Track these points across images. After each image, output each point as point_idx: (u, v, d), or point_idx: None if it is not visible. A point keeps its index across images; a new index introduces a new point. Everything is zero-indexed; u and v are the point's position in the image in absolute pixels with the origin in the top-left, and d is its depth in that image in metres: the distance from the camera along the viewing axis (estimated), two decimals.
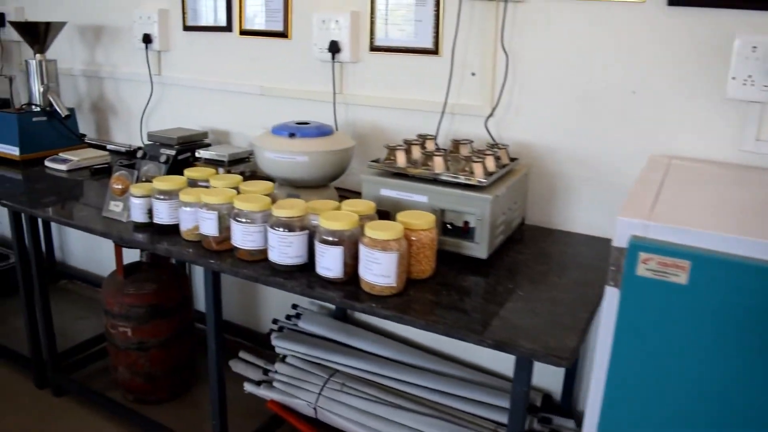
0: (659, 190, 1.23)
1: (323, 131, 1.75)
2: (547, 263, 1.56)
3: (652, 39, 1.63)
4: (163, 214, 1.59)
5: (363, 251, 1.29)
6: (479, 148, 1.72)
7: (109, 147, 2.63)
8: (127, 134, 2.70)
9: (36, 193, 2.04)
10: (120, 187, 1.71)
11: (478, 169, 1.49)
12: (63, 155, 2.35)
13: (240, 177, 1.63)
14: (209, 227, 1.47)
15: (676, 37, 1.61)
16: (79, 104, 2.84)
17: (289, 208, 1.37)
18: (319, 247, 1.34)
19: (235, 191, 1.51)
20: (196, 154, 2.07)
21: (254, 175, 2.11)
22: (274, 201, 1.45)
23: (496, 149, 1.68)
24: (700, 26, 1.57)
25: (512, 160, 1.72)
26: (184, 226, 1.56)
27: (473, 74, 1.86)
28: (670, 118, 1.65)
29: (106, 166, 2.29)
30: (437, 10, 1.86)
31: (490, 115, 1.84)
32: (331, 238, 1.32)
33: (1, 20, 3.02)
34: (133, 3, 2.50)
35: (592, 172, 1.77)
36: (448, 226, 1.52)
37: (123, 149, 2.59)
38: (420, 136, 1.81)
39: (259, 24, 2.19)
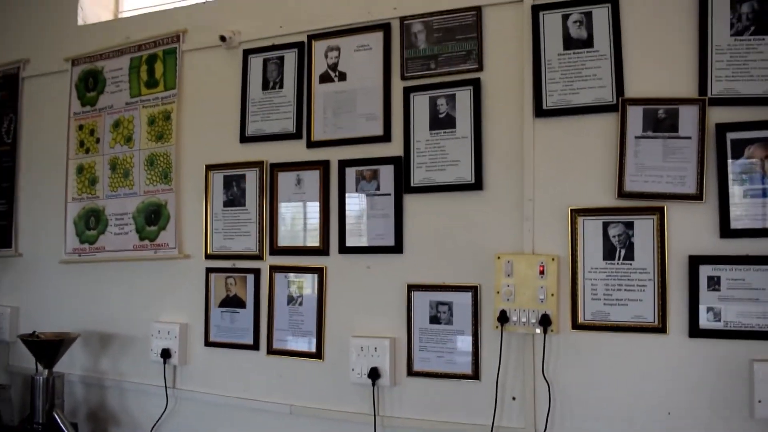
0: None
1: None
2: None
3: (679, 365, 1.80)
4: None
5: None
6: None
7: None
8: None
9: None
10: None
11: None
12: None
13: None
14: None
15: (699, 363, 1.78)
16: (74, 411, 2.71)
17: None
18: None
19: None
20: None
21: None
22: None
23: None
24: (720, 354, 1.76)
25: None
26: None
27: (514, 398, 1.95)
28: None
29: None
30: (475, 339, 1.99)
31: None
32: None
33: None
34: (151, 315, 2.53)
35: None
36: None
37: None
38: None
39: (290, 345, 2.25)
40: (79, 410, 2.72)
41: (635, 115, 1.87)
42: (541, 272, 1.91)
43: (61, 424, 2.40)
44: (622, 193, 1.86)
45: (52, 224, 2.81)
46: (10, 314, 2.90)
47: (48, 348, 2.45)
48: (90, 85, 2.75)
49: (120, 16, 2.95)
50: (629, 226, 1.86)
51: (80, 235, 2.75)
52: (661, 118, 1.85)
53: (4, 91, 3.01)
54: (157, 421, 2.48)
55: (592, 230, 1.90)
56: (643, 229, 1.84)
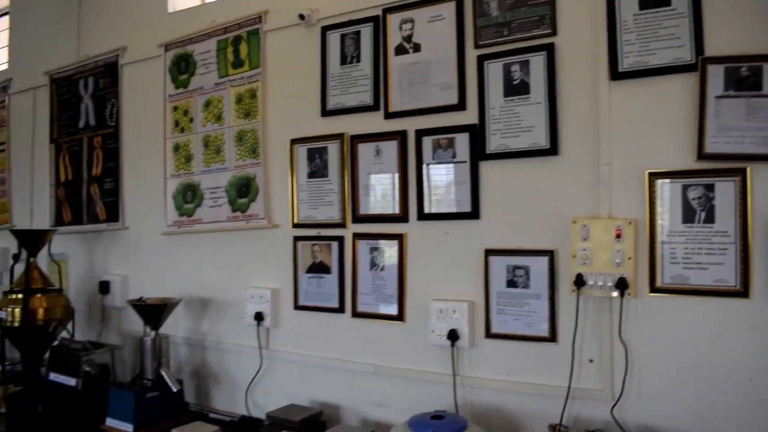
0: None
1: (460, 426, 1.84)
2: None
3: (762, 330, 1.76)
4: None
5: None
6: None
7: (212, 416, 2.71)
8: (230, 402, 2.79)
9: None
10: None
11: None
12: None
13: None
14: None
15: None
16: (179, 369, 2.96)
17: None
18: None
19: None
20: None
21: None
22: None
23: None
24: None
25: None
26: None
27: (591, 361, 1.98)
28: None
29: None
30: (552, 302, 2.03)
31: (616, 404, 1.92)
32: None
33: (106, 288, 3.26)
34: (244, 281, 2.72)
35: None
36: None
37: (227, 419, 2.66)
38: (551, 426, 1.88)
39: (373, 308, 2.36)
40: (183, 368, 2.97)
41: (716, 74, 1.82)
42: (618, 236, 1.92)
43: (168, 380, 2.62)
44: (702, 155, 1.83)
45: (153, 199, 3.06)
46: (120, 282, 3.20)
47: (153, 312, 2.68)
48: (182, 68, 2.94)
49: (206, 1, 3.11)
50: (710, 188, 1.83)
51: (179, 209, 2.97)
52: (743, 77, 1.79)
53: (106, 78, 3.27)
54: (253, 379, 2.67)
55: (670, 193, 1.88)
56: (725, 191, 1.81)
